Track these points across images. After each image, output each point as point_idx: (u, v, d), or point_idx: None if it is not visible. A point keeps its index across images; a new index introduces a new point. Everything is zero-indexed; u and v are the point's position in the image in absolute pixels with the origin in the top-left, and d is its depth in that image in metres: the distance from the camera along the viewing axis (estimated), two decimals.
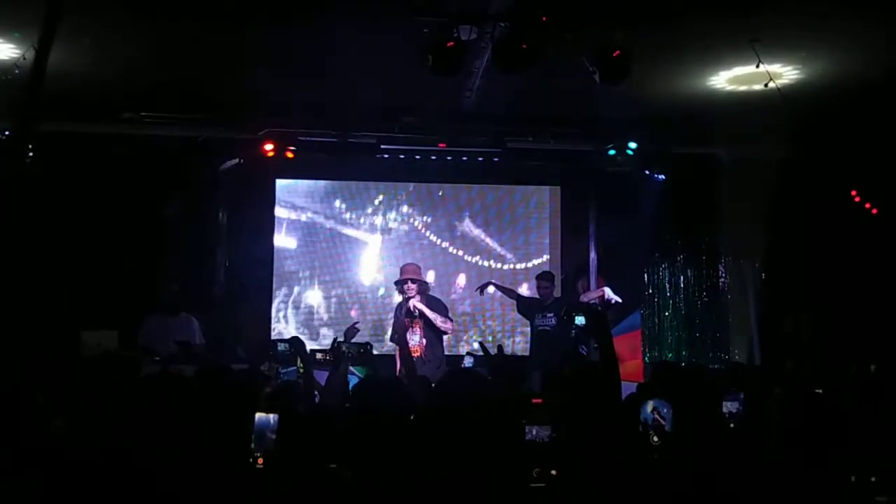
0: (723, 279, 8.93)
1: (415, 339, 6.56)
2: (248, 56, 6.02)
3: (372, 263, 8.73)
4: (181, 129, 7.46)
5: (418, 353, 6.44)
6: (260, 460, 2.82)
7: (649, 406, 2.87)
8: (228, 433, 2.86)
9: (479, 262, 8.83)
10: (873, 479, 1.59)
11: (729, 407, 3.53)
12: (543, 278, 7.82)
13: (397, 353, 6.24)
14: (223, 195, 8.27)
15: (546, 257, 8.87)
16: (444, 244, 8.80)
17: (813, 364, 7.00)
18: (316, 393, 4.48)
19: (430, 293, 6.91)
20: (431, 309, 6.64)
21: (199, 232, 8.27)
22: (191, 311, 7.22)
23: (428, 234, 8.82)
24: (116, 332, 6.39)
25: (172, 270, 8.06)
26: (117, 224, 8.03)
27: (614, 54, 5.03)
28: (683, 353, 8.70)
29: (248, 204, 8.39)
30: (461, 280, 8.79)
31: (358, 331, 5.23)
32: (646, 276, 8.99)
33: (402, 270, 6.89)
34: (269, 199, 8.50)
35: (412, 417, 2.93)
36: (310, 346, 5.35)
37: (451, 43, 5.02)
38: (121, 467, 2.53)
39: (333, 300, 8.65)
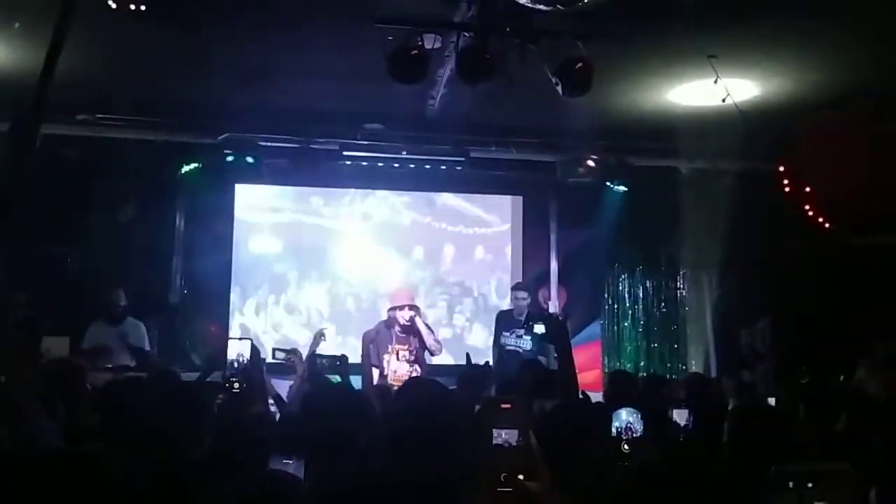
0: (681, 290, 9.07)
1: (404, 358, 6.39)
2: (208, 60, 5.95)
3: (359, 252, 8.59)
4: (138, 132, 7.32)
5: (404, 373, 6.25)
6: None
7: (623, 414, 2.89)
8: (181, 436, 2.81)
9: (464, 231, 8.76)
10: (810, 484, 1.62)
11: (677, 418, 3.56)
12: (518, 289, 7.48)
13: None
14: (181, 200, 8.13)
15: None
16: (427, 219, 8.72)
17: (766, 374, 7.15)
18: (271, 402, 4.43)
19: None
20: (427, 328, 6.55)
21: (155, 237, 8.12)
22: (142, 316, 7.09)
23: (409, 212, 8.71)
24: (68, 338, 6.24)
25: (120, 276, 7.91)
26: (70, 228, 7.86)
27: (577, 67, 5.07)
28: (641, 363, 8.81)
29: (207, 209, 8.26)
30: (449, 251, 8.72)
31: (323, 338, 5.19)
32: (606, 286, 9.08)
33: (395, 296, 6.75)
34: (229, 205, 8.36)
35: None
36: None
37: (416, 51, 5.02)
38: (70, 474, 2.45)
39: (329, 296, 8.45)
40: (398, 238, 8.55)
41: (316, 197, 8.57)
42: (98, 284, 7.87)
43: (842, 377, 4.69)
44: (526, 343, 6.83)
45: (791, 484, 1.64)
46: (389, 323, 6.51)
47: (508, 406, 2.89)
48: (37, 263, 7.65)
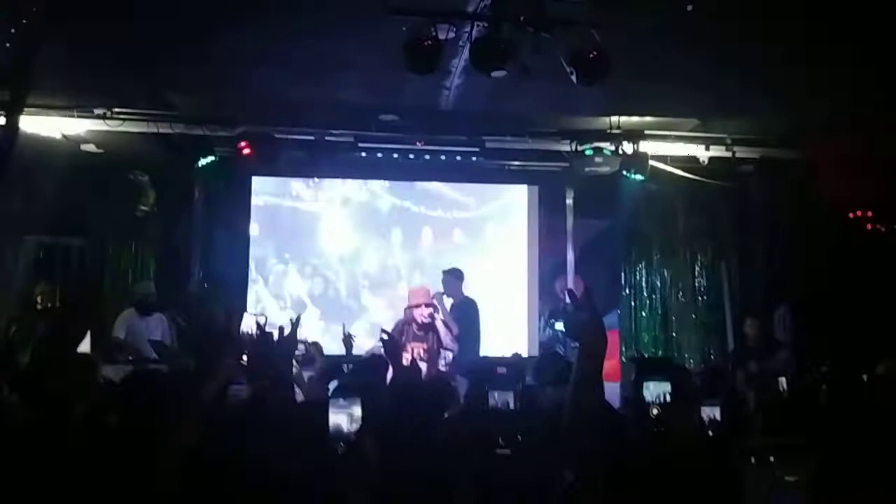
0: (699, 280, 9.02)
1: (419, 357, 6.41)
2: (224, 53, 5.96)
3: (338, 236, 8.67)
4: (155, 125, 7.36)
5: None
6: None
7: (651, 386, 2.90)
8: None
9: (442, 214, 8.81)
10: (772, 458, 1.63)
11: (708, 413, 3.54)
12: (450, 274, 7.30)
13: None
14: (199, 192, 8.20)
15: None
16: (406, 203, 8.77)
17: (786, 362, 7.08)
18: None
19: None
20: (446, 326, 6.56)
21: (173, 229, 8.21)
22: (163, 308, 7.17)
23: (388, 196, 8.79)
24: (88, 329, 6.34)
25: (147, 268, 8.01)
26: (90, 222, 7.96)
27: (591, 55, 5.03)
28: (659, 353, 8.77)
29: (224, 201, 8.33)
30: (427, 234, 8.77)
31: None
32: (623, 276, 9.05)
33: (413, 295, 6.77)
34: (246, 197, 8.43)
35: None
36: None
37: (429, 41, 5.00)
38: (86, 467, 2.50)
39: (309, 281, 8.58)
40: (376, 222, 8.71)
41: (294, 181, 8.65)
42: (118, 276, 7.99)
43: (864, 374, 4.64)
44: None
45: (753, 459, 1.65)
46: (407, 321, 6.53)
47: (504, 371, 2.94)
48: (56, 255, 7.79)
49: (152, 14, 5.18)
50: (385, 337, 4.51)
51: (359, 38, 5.66)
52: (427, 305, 6.54)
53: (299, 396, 4.35)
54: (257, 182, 8.57)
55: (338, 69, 6.35)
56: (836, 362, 5.64)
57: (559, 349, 8.02)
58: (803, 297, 7.65)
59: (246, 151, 7.43)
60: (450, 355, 6.57)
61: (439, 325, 6.50)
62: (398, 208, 8.75)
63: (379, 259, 8.65)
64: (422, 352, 6.43)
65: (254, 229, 8.54)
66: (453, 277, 7.22)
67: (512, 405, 3.23)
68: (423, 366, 6.31)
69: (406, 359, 6.24)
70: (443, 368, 6.39)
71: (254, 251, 8.53)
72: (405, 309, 6.71)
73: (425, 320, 6.46)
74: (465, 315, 6.95)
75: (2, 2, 4.94)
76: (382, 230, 8.71)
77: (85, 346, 6.19)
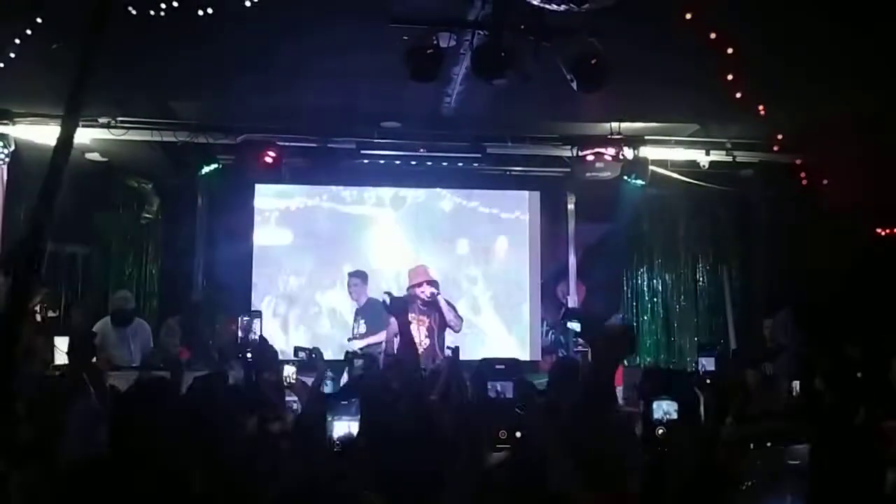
0: (700, 284, 9.04)
1: (421, 332, 6.45)
2: (226, 61, 6.00)
3: (386, 241, 8.53)
4: (158, 134, 7.41)
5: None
6: None
7: (663, 405, 2.91)
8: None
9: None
10: (769, 444, 1.66)
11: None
12: (355, 276, 7.27)
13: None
14: (202, 200, 8.24)
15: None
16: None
17: (788, 365, 7.09)
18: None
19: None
20: (448, 304, 6.62)
21: (176, 237, 8.25)
22: (166, 314, 7.19)
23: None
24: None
25: (151, 276, 8.05)
26: (93, 230, 8.00)
27: (591, 62, 5.07)
28: (661, 356, 8.79)
29: (227, 209, 8.37)
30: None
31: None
32: (625, 280, 9.07)
33: (413, 274, 6.81)
34: (249, 204, 8.46)
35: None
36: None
37: (431, 50, 5.05)
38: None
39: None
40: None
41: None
42: (121, 284, 8.01)
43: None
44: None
45: (752, 445, 1.68)
46: (410, 300, 6.52)
47: (502, 367, 3.00)
48: (60, 263, 7.82)
49: (159, 19, 5.21)
50: (388, 300, 4.35)
51: (361, 45, 5.70)
52: (429, 283, 6.58)
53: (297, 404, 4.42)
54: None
55: (340, 77, 6.40)
56: (837, 365, 5.66)
57: (561, 353, 8.07)
58: (805, 301, 7.66)
59: (268, 160, 7.37)
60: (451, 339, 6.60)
61: (442, 302, 6.53)
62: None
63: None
64: (425, 329, 6.45)
65: (286, 236, 8.49)
66: (356, 279, 7.26)
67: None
68: (427, 342, 6.36)
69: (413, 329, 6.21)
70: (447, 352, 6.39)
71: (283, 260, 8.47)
72: (407, 289, 6.71)
73: (427, 298, 6.49)
74: (377, 314, 6.82)
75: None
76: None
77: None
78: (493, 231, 8.82)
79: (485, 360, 5.09)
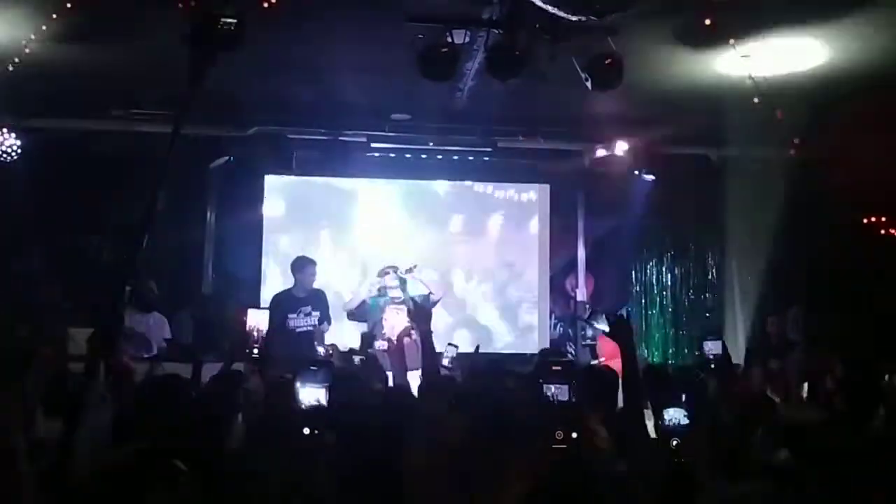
0: (710, 277, 9.04)
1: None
2: (238, 54, 5.97)
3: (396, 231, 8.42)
4: (169, 126, 7.39)
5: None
6: None
7: (671, 412, 2.92)
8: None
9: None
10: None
11: None
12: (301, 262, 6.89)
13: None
14: (212, 192, 8.24)
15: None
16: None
17: (798, 362, 7.10)
18: None
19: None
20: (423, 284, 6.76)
21: (186, 229, 8.25)
22: (176, 307, 7.22)
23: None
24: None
25: (153, 268, 8.03)
26: (103, 220, 8.01)
27: (606, 62, 5.05)
28: (670, 350, 8.81)
29: (237, 201, 8.36)
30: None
31: None
32: (633, 274, 9.07)
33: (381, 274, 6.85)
34: (258, 196, 8.45)
35: None
36: None
37: (445, 48, 5.03)
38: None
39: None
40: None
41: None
42: (131, 275, 8.00)
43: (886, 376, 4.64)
44: (310, 318, 6.68)
45: None
46: (382, 292, 6.64)
47: (559, 368, 3.03)
48: (71, 254, 7.85)
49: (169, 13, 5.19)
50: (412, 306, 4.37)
51: (374, 41, 5.68)
52: (389, 267, 6.71)
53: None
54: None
55: (352, 71, 6.38)
56: (849, 363, 5.67)
57: (569, 348, 8.09)
58: (816, 297, 7.65)
59: None
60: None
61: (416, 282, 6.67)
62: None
63: None
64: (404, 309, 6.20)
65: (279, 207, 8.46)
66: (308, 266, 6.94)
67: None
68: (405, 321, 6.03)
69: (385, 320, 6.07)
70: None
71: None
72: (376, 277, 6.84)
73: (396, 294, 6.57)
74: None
75: None
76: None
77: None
78: (503, 224, 8.78)
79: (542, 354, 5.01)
